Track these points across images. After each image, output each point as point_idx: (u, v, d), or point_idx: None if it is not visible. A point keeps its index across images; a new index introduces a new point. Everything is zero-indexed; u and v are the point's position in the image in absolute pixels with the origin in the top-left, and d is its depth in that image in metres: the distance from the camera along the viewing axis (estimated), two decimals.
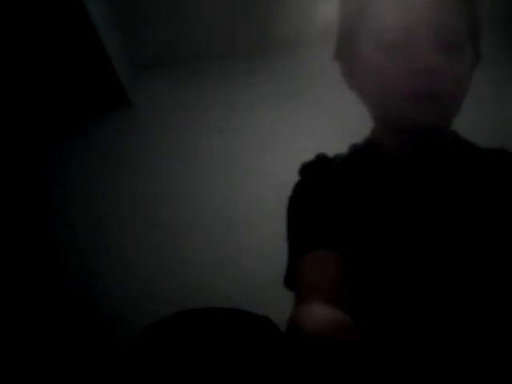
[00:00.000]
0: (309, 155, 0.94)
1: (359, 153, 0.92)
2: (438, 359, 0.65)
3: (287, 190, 0.93)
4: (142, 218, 2.59)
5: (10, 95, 2.50)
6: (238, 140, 2.70)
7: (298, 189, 0.92)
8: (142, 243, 2.55)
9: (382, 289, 0.81)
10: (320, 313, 0.54)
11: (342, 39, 0.89)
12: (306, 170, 0.92)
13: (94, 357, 2.27)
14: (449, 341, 0.76)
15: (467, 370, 0.74)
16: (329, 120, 2.58)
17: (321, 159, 0.93)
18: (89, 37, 2.20)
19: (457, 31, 0.80)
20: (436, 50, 0.77)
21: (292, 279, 0.83)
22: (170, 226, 2.57)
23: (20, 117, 2.66)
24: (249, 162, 2.65)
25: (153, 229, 2.57)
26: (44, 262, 2.51)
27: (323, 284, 0.74)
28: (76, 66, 2.39)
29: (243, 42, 2.72)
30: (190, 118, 2.76)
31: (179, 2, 2.45)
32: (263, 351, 0.60)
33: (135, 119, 2.77)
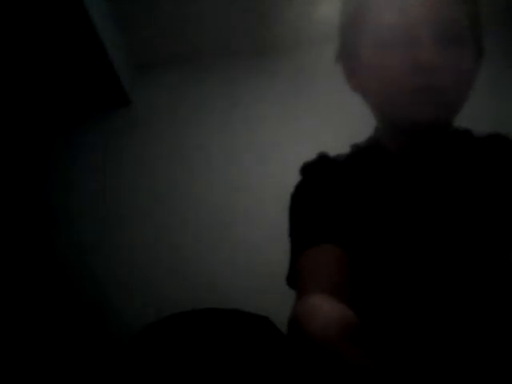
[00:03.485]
0: (309, 155, 0.94)
1: (361, 151, 0.92)
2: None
3: (288, 190, 0.93)
4: (141, 218, 2.59)
5: (10, 95, 2.50)
6: (238, 140, 2.70)
7: (300, 187, 0.92)
8: (141, 243, 2.55)
9: (383, 283, 0.81)
10: (320, 308, 0.54)
11: (343, 40, 0.90)
12: (308, 169, 0.92)
13: (94, 356, 2.27)
14: (447, 340, 0.76)
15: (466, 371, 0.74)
16: (329, 120, 2.58)
17: (322, 158, 0.93)
18: (89, 37, 2.20)
19: (458, 26, 0.79)
20: (436, 46, 0.77)
21: (294, 277, 0.83)
22: (169, 226, 2.57)
23: (20, 117, 2.66)
24: (249, 162, 2.66)
25: (152, 228, 2.57)
26: (44, 262, 2.51)
27: (326, 276, 0.74)
28: (76, 66, 2.39)
29: (243, 41, 2.72)
30: (189, 117, 2.76)
31: (179, 2, 2.45)
32: (263, 351, 0.60)
33: (135, 119, 2.77)
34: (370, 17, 0.82)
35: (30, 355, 2.32)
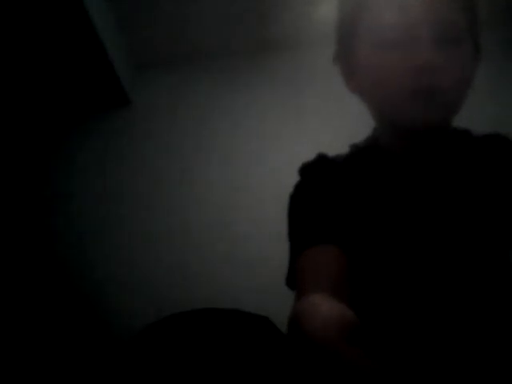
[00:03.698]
0: (309, 155, 0.94)
1: (360, 152, 0.92)
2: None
3: (288, 190, 0.93)
4: (141, 218, 2.59)
5: (10, 96, 2.50)
6: (238, 139, 2.70)
7: (299, 187, 0.92)
8: (141, 243, 2.55)
9: (383, 283, 0.81)
10: (320, 307, 0.54)
11: (340, 40, 0.89)
12: (306, 169, 0.92)
13: (94, 356, 2.27)
14: (446, 340, 0.76)
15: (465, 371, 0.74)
16: (329, 120, 2.58)
17: (321, 159, 0.93)
18: (89, 37, 2.20)
19: (456, 26, 0.79)
20: (435, 46, 0.77)
21: (293, 278, 0.83)
22: (169, 226, 2.57)
23: (21, 117, 2.66)
24: (249, 162, 2.66)
25: (152, 228, 2.57)
26: (44, 262, 2.51)
27: (325, 276, 0.74)
28: (76, 66, 2.39)
29: (243, 41, 2.72)
30: (190, 117, 2.76)
31: (179, 2, 2.45)
32: (263, 351, 0.60)
33: (135, 119, 2.77)
34: (368, 16, 0.82)
35: (29, 355, 2.32)
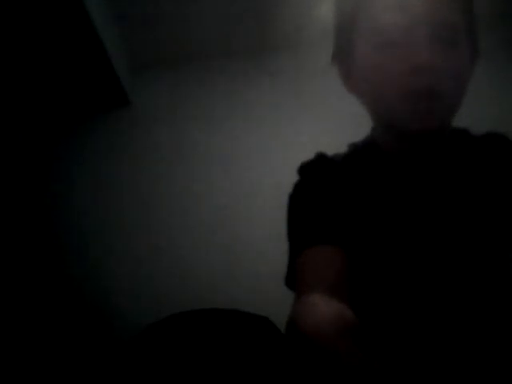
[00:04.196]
0: (308, 154, 0.94)
1: (358, 151, 0.92)
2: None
3: (287, 190, 0.93)
4: (142, 218, 2.59)
5: (10, 96, 2.50)
6: (238, 139, 2.70)
7: (298, 187, 0.92)
8: (142, 243, 2.55)
9: (382, 283, 0.81)
10: (318, 307, 0.54)
11: (339, 40, 0.89)
12: (305, 168, 0.92)
13: (94, 356, 2.27)
14: (446, 340, 0.76)
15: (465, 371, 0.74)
16: (329, 119, 2.58)
17: (320, 158, 0.93)
18: (89, 37, 2.20)
19: (455, 27, 0.79)
20: (434, 47, 0.77)
21: (293, 278, 0.83)
22: (169, 226, 2.57)
23: (21, 117, 2.67)
24: (249, 162, 2.66)
25: (153, 228, 2.57)
26: (45, 262, 2.51)
27: (325, 276, 0.74)
28: (76, 67, 2.39)
29: (243, 41, 2.72)
30: (190, 117, 2.76)
31: (179, 2, 2.45)
32: (263, 351, 0.60)
33: (135, 119, 2.77)
34: (367, 17, 0.82)
35: (29, 356, 2.32)
